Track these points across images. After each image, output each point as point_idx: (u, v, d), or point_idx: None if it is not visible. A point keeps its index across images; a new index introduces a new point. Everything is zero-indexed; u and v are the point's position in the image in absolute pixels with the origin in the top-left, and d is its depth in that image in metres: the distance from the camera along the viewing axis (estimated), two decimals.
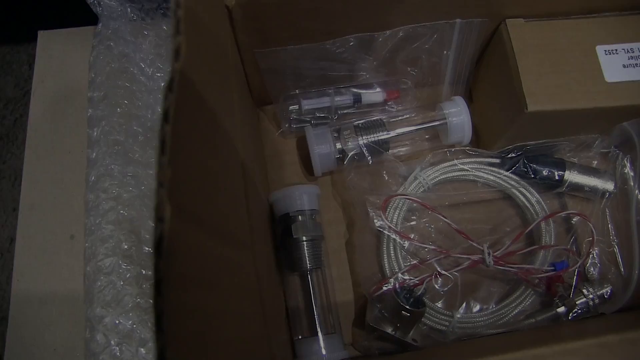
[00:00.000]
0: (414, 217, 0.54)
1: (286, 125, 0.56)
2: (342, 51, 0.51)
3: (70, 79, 0.59)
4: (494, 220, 0.56)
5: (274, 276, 0.48)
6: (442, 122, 0.54)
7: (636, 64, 0.50)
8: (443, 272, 0.51)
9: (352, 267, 0.54)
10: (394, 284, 0.50)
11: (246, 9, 0.45)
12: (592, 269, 0.54)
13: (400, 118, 0.56)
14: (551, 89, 0.49)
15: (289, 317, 0.52)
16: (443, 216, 0.51)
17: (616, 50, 0.51)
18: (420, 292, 0.50)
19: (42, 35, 0.61)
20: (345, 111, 0.56)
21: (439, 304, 0.53)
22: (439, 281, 0.51)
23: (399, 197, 0.52)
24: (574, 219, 0.56)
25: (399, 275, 0.50)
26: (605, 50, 0.50)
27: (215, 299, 0.29)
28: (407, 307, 0.48)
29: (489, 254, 0.51)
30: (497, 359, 0.38)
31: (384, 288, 0.50)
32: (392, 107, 0.57)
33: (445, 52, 0.53)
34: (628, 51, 0.51)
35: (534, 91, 0.48)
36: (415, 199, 0.52)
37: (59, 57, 0.60)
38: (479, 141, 0.58)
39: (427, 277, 0.50)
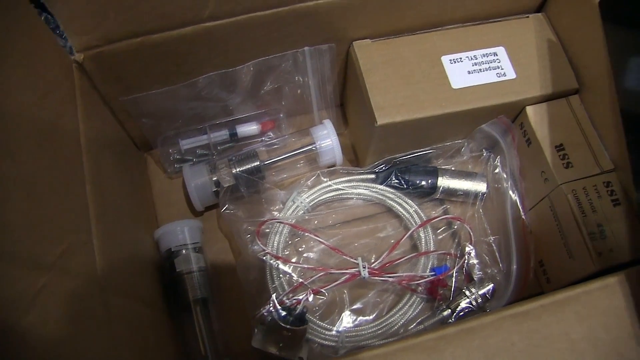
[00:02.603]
0: (292, 240, 0.56)
1: (169, 167, 0.59)
2: (206, 90, 0.54)
3: None
4: (379, 233, 0.58)
5: (152, 309, 0.50)
6: (312, 146, 0.57)
7: (480, 69, 0.53)
8: (321, 289, 0.52)
9: (240, 294, 0.56)
10: (273, 305, 0.51)
11: (97, 61, 0.48)
12: (474, 269, 0.55)
13: (276, 147, 0.58)
14: (400, 101, 0.51)
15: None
16: (316, 236, 0.53)
17: (460, 58, 0.53)
18: (298, 310, 0.51)
19: None
20: (224, 146, 0.59)
21: (328, 321, 0.54)
22: (312, 297, 0.53)
23: (277, 222, 0.54)
24: (455, 224, 0.57)
25: (274, 296, 0.51)
26: (450, 60, 0.53)
27: (30, 323, 0.31)
28: (287, 326, 0.50)
29: (364, 266, 0.52)
30: None
31: (263, 310, 0.51)
32: (270, 138, 0.59)
33: (304, 79, 0.56)
34: (472, 58, 0.53)
35: (382, 105, 0.51)
36: (287, 222, 0.54)
37: None
38: (357, 159, 0.61)
39: (304, 294, 0.52)
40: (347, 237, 0.57)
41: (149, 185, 0.60)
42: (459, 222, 0.57)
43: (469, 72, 0.53)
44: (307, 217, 0.56)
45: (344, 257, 0.53)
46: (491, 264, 0.56)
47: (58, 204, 0.38)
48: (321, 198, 0.56)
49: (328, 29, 0.52)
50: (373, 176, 0.57)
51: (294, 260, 0.55)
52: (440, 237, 0.58)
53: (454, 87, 0.52)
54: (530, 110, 0.54)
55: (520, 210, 0.56)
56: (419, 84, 0.52)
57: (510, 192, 0.56)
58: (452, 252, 0.55)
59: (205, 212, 0.59)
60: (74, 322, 0.36)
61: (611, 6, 0.46)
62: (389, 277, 0.53)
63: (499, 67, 0.53)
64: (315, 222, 0.57)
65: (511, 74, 0.53)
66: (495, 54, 0.54)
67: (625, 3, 0.44)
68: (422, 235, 0.55)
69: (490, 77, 0.53)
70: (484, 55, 0.54)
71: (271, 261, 0.53)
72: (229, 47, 0.51)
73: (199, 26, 0.48)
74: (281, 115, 0.59)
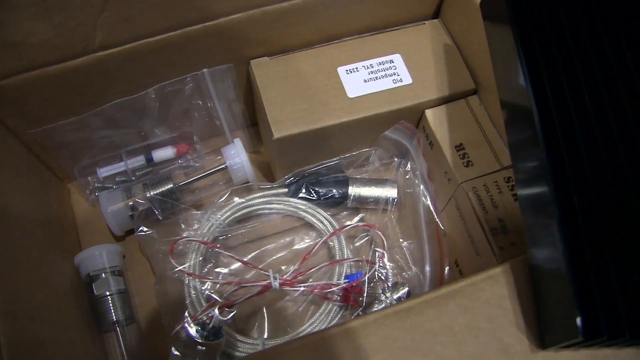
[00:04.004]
0: (209, 258, 0.57)
1: (90, 195, 0.60)
2: (115, 117, 0.55)
3: None
4: (297, 245, 0.59)
5: (69, 332, 0.51)
6: (223, 165, 0.58)
7: (376, 77, 0.54)
8: (233, 303, 0.53)
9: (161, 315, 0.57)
10: (187, 322, 0.52)
11: None
12: (388, 274, 0.56)
13: (192, 169, 0.60)
14: (296, 114, 0.52)
15: None
16: (227, 252, 0.54)
17: (357, 68, 0.55)
18: (211, 325, 0.52)
19: None
20: (143, 171, 0.60)
21: (248, 333, 0.55)
22: (224, 311, 0.53)
23: (189, 240, 0.55)
24: (371, 231, 0.58)
25: (186, 313, 0.52)
26: (347, 70, 0.55)
27: None
28: (199, 340, 0.51)
29: (275, 278, 0.53)
30: None
31: (178, 328, 0.52)
32: (186, 160, 0.61)
33: (210, 101, 0.57)
34: (367, 67, 0.55)
35: (279, 119, 0.52)
36: (198, 239, 0.55)
37: None
38: (272, 175, 0.62)
39: (218, 309, 0.52)
40: (266, 252, 0.58)
41: (71, 214, 0.62)
42: (374, 229, 0.58)
43: (365, 81, 0.54)
44: (224, 235, 0.57)
45: (257, 270, 0.53)
46: (406, 268, 0.56)
47: None
48: (236, 215, 0.57)
49: (224, 49, 0.54)
50: (286, 190, 0.58)
51: (210, 276, 0.56)
52: (358, 244, 0.58)
53: (350, 97, 0.53)
54: (429, 113, 0.55)
55: (433, 212, 0.57)
56: (316, 96, 0.53)
57: (423, 196, 0.57)
58: (364, 258, 0.56)
59: (129, 237, 0.60)
60: None
61: (488, 5, 0.47)
62: (301, 286, 0.53)
63: (395, 74, 0.54)
64: (232, 238, 0.58)
65: (407, 80, 0.54)
66: (391, 61, 0.55)
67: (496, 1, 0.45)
68: (335, 243, 0.56)
69: (386, 84, 0.54)
70: (380, 64, 0.55)
71: (185, 279, 0.54)
72: (127, 75, 0.52)
73: (92, 56, 0.49)
74: (195, 138, 0.60)
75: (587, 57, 0.39)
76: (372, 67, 0.55)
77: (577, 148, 0.37)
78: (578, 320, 0.33)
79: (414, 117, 0.56)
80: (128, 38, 0.49)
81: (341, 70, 0.55)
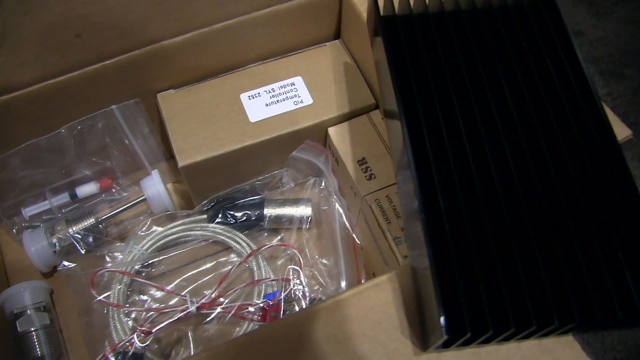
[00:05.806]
0: (134, 287, 0.58)
1: (17, 235, 0.62)
2: (32, 157, 0.57)
3: None
4: (221, 269, 0.60)
5: None
6: (142, 196, 0.60)
7: (277, 101, 0.56)
8: (151, 330, 0.54)
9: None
10: (106, 350, 0.53)
11: None
12: (306, 291, 0.57)
13: (116, 201, 0.61)
14: (200, 142, 0.54)
15: None
16: (146, 280, 0.56)
17: (259, 93, 0.57)
18: (132, 352, 0.53)
19: None
20: (68, 208, 0.62)
21: (177, 359, 0.56)
22: (142, 338, 0.54)
23: (108, 271, 0.57)
24: (288, 250, 0.59)
25: (107, 342, 0.53)
26: (249, 96, 0.57)
27: None
28: None
29: (192, 302, 0.54)
30: None
31: (98, 358, 0.53)
32: (111, 194, 0.62)
33: (123, 136, 0.59)
34: (269, 92, 0.57)
35: (183, 148, 0.54)
36: (117, 270, 0.56)
37: None
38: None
39: (136, 336, 0.54)
40: (190, 278, 0.60)
41: None
42: (290, 248, 0.59)
43: (266, 105, 0.56)
44: (146, 263, 0.58)
45: (176, 296, 0.55)
46: (325, 284, 0.57)
47: None
48: (158, 244, 0.59)
49: (129, 85, 0.55)
50: (204, 216, 0.60)
51: (132, 305, 0.57)
52: (279, 263, 0.60)
53: (252, 121, 0.55)
54: (332, 130, 0.56)
55: (348, 227, 0.58)
56: (219, 123, 0.55)
57: (337, 213, 0.58)
58: (281, 277, 0.57)
59: (57, 272, 0.62)
60: None
61: (370, 21, 0.49)
62: (219, 308, 0.54)
63: (296, 96, 0.56)
64: (156, 266, 0.59)
65: (308, 100, 0.56)
66: (292, 84, 0.57)
67: (375, 17, 0.46)
68: (254, 264, 0.57)
69: (287, 107, 0.56)
70: (281, 87, 0.57)
71: (105, 310, 0.55)
72: (35, 116, 0.54)
73: None
74: (118, 172, 0.62)
75: (458, 68, 0.41)
76: (274, 91, 0.57)
77: (444, 154, 0.39)
78: (442, 320, 0.34)
79: (319, 136, 0.57)
80: (29, 81, 0.51)
81: (243, 96, 0.57)
